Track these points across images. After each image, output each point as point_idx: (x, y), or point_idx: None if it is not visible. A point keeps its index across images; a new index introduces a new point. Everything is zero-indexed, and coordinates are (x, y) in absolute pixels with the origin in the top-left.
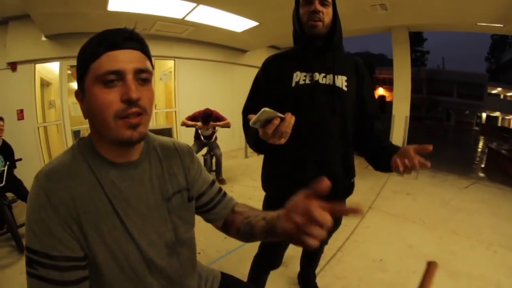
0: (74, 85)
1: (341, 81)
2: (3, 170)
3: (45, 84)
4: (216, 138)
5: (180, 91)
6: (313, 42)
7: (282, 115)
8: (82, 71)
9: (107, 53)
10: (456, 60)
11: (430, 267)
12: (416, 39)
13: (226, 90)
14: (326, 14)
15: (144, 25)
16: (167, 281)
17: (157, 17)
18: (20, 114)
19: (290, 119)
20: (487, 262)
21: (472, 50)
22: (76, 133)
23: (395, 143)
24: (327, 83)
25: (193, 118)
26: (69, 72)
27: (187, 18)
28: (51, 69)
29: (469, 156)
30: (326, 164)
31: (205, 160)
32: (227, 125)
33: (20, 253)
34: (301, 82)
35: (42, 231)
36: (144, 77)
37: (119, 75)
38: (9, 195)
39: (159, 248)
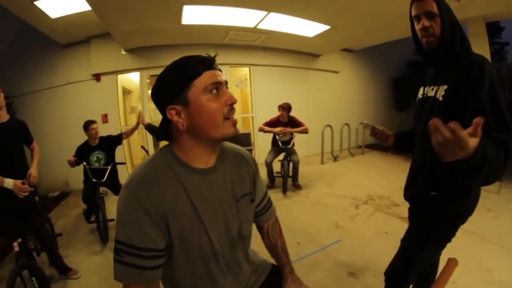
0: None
1: (441, 91)
2: (107, 168)
3: (126, 92)
4: (293, 144)
5: (256, 97)
6: (431, 56)
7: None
8: (182, 87)
9: (206, 71)
10: None
11: (450, 263)
12: (493, 29)
13: (301, 95)
14: (436, 26)
15: (218, 35)
16: (226, 267)
17: (230, 27)
18: (105, 118)
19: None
20: None
21: None
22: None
23: None
24: (431, 95)
25: (270, 124)
26: (148, 81)
27: (259, 26)
28: (132, 78)
29: None
30: (415, 175)
31: (282, 165)
32: (305, 131)
33: (103, 244)
34: (420, 96)
35: (132, 227)
36: (227, 87)
37: (218, 85)
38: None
39: (225, 240)
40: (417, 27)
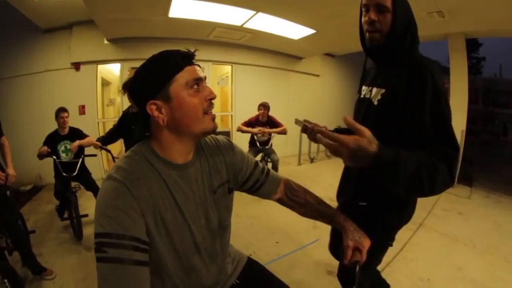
0: None
1: (377, 95)
2: (77, 161)
3: (105, 83)
4: (271, 145)
5: (236, 96)
6: (371, 54)
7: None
8: (163, 82)
9: (187, 67)
10: None
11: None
12: (471, 44)
13: (282, 96)
14: (384, 21)
15: (204, 31)
16: (208, 258)
17: (216, 23)
18: (82, 109)
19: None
20: None
21: None
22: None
23: None
24: (368, 97)
25: (249, 123)
26: (128, 73)
27: (246, 25)
28: (111, 69)
29: None
30: (346, 180)
31: None
32: (284, 132)
33: (78, 242)
34: (358, 95)
35: (117, 215)
36: (205, 83)
37: (199, 81)
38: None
39: (206, 232)
40: (364, 18)
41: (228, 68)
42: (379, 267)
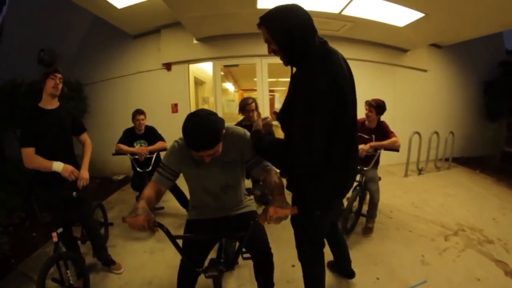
0: (226, 85)
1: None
2: (151, 157)
3: (199, 82)
4: (377, 164)
5: None
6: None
7: None
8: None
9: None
10: None
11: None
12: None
13: (387, 95)
14: (275, 47)
15: None
16: (216, 201)
17: (312, 12)
18: (175, 108)
19: None
20: None
21: None
22: None
23: None
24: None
25: None
26: (222, 73)
27: (344, 12)
28: (205, 69)
29: None
30: None
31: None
32: (395, 146)
33: (152, 239)
34: None
35: (167, 157)
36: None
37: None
38: None
39: (217, 185)
40: None
41: None
42: None
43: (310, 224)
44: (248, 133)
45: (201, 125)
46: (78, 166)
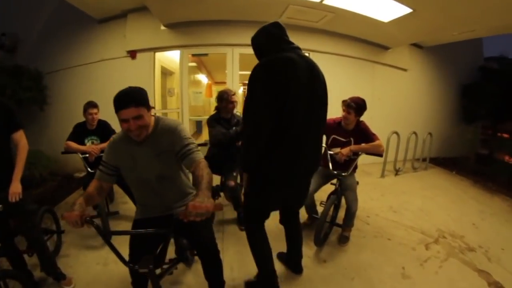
0: (200, 76)
1: None
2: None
3: (168, 73)
4: (355, 168)
5: None
6: None
7: None
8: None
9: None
10: None
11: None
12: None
13: (365, 93)
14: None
15: (274, 11)
16: (155, 194)
17: (290, 0)
18: None
19: None
20: None
21: None
22: (198, 123)
23: None
24: None
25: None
26: (193, 64)
27: (325, 2)
28: (174, 59)
29: None
30: None
31: (328, 198)
32: (378, 151)
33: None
34: None
35: (106, 154)
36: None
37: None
38: None
39: (152, 176)
40: None
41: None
42: None
43: (256, 198)
44: (180, 125)
45: (125, 89)
46: (13, 167)
